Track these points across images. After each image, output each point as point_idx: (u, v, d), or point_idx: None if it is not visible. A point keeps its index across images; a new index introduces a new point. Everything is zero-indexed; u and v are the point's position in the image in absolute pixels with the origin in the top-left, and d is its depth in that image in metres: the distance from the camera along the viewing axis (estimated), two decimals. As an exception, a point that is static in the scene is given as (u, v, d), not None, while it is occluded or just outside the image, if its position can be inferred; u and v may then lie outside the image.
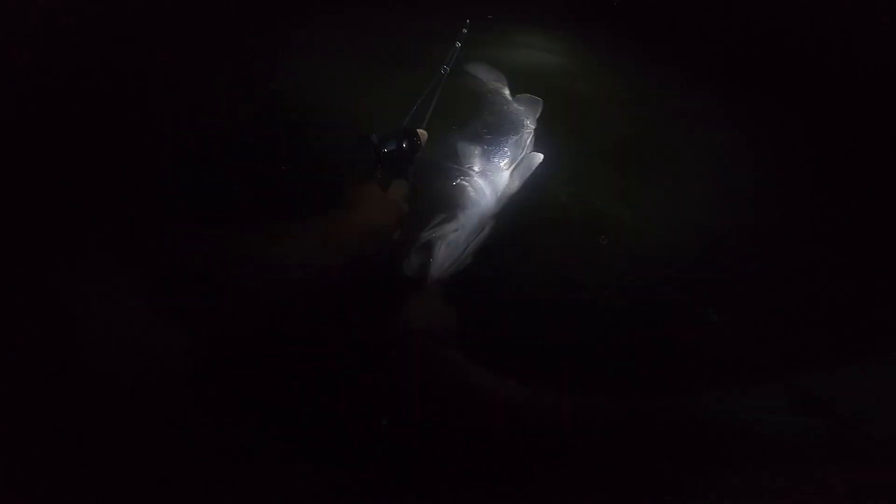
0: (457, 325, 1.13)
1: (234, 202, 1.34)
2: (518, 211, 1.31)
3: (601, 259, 1.27)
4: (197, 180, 1.35)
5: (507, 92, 1.58)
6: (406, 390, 1.09)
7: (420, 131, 1.22)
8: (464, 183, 1.27)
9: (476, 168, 1.30)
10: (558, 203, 1.37)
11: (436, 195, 1.25)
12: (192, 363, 1.15)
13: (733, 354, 1.15)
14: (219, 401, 1.09)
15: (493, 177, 1.29)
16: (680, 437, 1.04)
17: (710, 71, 1.60)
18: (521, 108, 1.53)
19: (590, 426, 1.05)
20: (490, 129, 1.43)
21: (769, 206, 1.38)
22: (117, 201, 1.31)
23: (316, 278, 1.15)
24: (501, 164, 1.33)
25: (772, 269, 1.28)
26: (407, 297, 1.16)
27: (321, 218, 1.15)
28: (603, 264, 1.27)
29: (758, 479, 0.93)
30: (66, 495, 0.94)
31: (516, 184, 1.33)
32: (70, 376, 1.09)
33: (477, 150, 1.35)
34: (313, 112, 1.50)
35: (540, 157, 1.37)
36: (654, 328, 1.18)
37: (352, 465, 1.04)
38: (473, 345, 1.13)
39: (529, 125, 1.48)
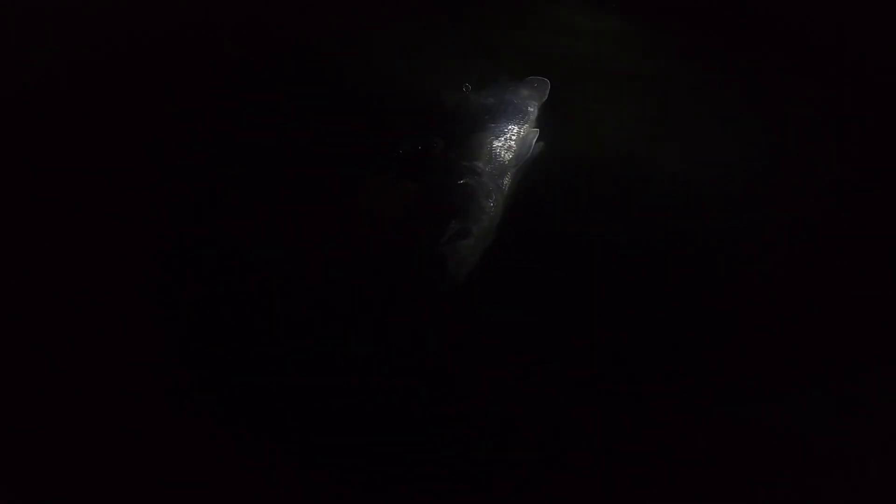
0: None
1: (237, 188, 1.30)
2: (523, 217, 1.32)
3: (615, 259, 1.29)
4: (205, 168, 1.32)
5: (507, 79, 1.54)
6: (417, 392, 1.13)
7: (438, 139, 1.23)
8: (472, 184, 1.27)
9: (482, 165, 1.30)
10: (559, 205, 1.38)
11: (445, 198, 1.26)
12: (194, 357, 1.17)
13: (772, 359, 1.17)
14: (222, 397, 1.11)
15: (500, 179, 1.31)
16: (718, 442, 1.08)
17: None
18: (525, 93, 1.51)
19: (618, 431, 1.10)
20: (494, 116, 1.40)
21: (814, 200, 1.36)
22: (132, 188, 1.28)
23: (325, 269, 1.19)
24: (507, 162, 1.34)
25: (812, 268, 1.28)
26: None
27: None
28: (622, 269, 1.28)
29: (804, 484, 0.98)
30: (66, 496, 0.98)
31: (519, 183, 1.35)
32: (69, 374, 1.11)
33: (482, 143, 1.34)
34: (335, 107, 1.44)
35: (540, 144, 1.39)
36: (684, 330, 1.20)
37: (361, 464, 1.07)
38: (490, 346, 1.18)
39: (532, 112, 1.47)
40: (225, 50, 1.44)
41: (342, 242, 1.24)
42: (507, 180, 1.32)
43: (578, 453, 1.09)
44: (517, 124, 1.41)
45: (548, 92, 1.52)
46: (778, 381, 1.14)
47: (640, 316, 1.24)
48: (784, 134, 1.49)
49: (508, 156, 1.36)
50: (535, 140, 1.40)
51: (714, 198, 1.38)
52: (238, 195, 1.28)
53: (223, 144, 1.34)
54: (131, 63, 1.38)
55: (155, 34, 1.41)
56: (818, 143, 1.47)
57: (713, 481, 1.05)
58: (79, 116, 1.32)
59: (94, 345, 1.14)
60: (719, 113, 1.52)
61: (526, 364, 1.18)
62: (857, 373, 1.14)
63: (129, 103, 1.37)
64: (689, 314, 1.23)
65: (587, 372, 1.16)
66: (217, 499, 1.02)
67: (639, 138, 1.48)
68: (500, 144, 1.37)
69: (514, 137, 1.39)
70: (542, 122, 1.47)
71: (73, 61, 1.33)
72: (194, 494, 1.01)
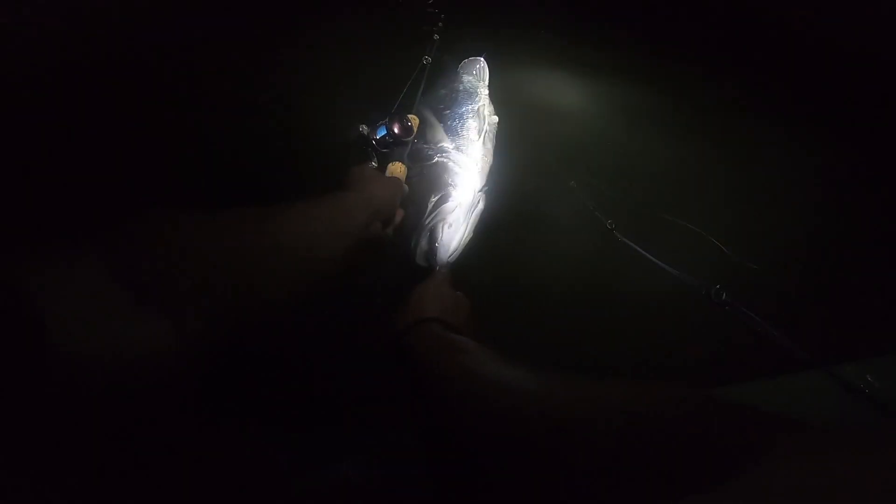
0: (469, 310, 1.10)
1: (224, 191, 1.31)
2: (506, 185, 1.38)
3: (610, 239, 1.30)
4: (185, 167, 1.32)
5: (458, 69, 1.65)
6: (419, 380, 1.02)
7: (411, 116, 1.27)
8: (443, 160, 1.32)
9: (449, 145, 1.37)
10: (552, 182, 1.44)
11: (421, 179, 1.30)
12: (184, 362, 1.15)
13: (769, 342, 1.12)
14: (216, 402, 1.03)
15: (469, 149, 1.37)
16: (713, 427, 1.08)
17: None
18: (471, 77, 1.63)
19: (616, 417, 1.06)
20: (448, 104, 1.49)
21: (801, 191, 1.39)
22: (91, 189, 1.22)
23: (324, 263, 1.05)
24: (471, 136, 1.41)
25: (803, 253, 1.29)
26: (415, 284, 1.13)
27: (323, 197, 1.04)
28: (611, 243, 1.30)
29: (797, 470, 0.98)
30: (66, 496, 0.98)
31: (490, 152, 1.42)
32: (48, 380, 1.09)
33: (443, 127, 1.42)
34: (305, 104, 1.48)
35: (495, 119, 1.49)
36: (670, 312, 1.18)
37: (359, 464, 1.05)
38: (487, 331, 1.11)
39: (483, 92, 1.57)
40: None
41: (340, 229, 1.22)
42: (475, 151, 1.39)
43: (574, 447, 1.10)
44: (471, 104, 1.50)
45: (486, 70, 1.63)
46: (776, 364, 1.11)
47: (629, 295, 1.24)
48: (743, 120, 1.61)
49: (470, 132, 1.43)
50: (490, 114, 1.50)
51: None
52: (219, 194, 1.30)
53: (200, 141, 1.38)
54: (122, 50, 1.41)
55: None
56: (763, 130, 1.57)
57: (707, 466, 1.08)
58: (69, 119, 1.33)
59: (72, 346, 1.11)
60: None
61: (526, 347, 1.17)
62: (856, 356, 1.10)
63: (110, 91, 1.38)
64: (682, 297, 1.21)
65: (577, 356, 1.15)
66: (217, 499, 0.97)
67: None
68: (458, 124, 1.44)
69: (470, 115, 1.47)
70: (493, 96, 1.58)
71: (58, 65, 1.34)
72: (194, 495, 1.00)
